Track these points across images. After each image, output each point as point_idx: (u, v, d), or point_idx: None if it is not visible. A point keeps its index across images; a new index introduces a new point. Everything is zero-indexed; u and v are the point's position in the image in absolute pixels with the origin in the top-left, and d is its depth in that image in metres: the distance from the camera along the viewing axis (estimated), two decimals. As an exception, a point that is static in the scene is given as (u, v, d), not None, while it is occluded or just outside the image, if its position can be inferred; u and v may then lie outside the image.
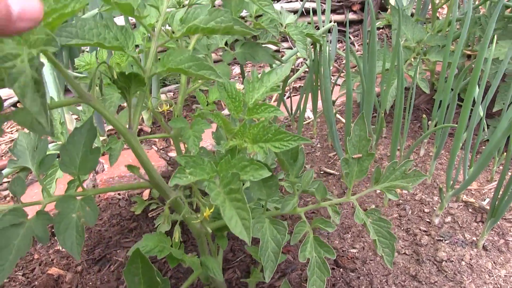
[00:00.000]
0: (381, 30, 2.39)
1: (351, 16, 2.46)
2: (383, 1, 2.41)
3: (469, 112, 0.98)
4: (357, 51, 2.30)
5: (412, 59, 1.49)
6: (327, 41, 2.13)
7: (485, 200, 1.16)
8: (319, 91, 1.39)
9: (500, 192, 0.96)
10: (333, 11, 2.42)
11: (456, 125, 0.98)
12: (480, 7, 1.71)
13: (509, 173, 1.24)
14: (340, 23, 2.45)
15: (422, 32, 1.49)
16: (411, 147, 1.10)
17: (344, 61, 2.09)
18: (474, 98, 1.04)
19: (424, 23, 1.78)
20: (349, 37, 2.45)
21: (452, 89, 1.35)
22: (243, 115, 0.75)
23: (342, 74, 1.98)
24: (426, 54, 1.48)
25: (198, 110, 1.12)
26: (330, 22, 2.39)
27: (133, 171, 0.83)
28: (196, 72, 0.67)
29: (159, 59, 0.72)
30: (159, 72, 0.71)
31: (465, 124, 0.97)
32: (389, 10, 2.12)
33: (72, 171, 0.78)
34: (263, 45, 1.20)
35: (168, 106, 0.93)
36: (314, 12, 2.37)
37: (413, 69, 1.45)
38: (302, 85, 1.94)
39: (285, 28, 1.20)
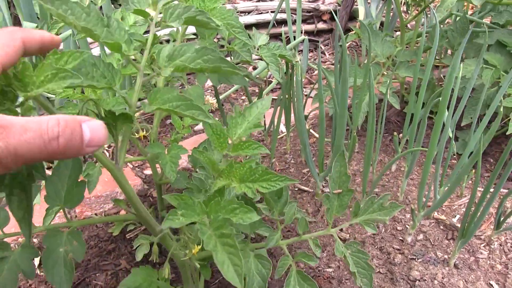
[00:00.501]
0: (350, 42, 2.43)
1: (321, 25, 2.50)
2: (352, 10, 2.46)
3: (439, 135, 1.02)
4: (328, 61, 2.33)
5: (382, 75, 1.53)
6: (298, 52, 2.15)
7: (455, 216, 1.21)
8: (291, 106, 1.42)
9: (471, 211, 1.00)
10: (303, 21, 2.44)
11: (426, 149, 1.01)
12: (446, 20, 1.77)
13: (478, 192, 1.30)
14: (310, 33, 2.48)
15: (391, 48, 1.53)
16: (382, 169, 1.13)
17: (315, 72, 2.12)
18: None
19: (393, 36, 1.83)
20: (320, 47, 2.48)
21: (423, 103, 1.40)
22: (228, 151, 0.77)
23: (313, 86, 2.01)
24: (396, 69, 1.52)
25: (174, 134, 1.12)
26: (301, 33, 2.42)
27: (120, 204, 0.83)
28: (184, 112, 0.68)
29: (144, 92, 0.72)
30: (146, 111, 0.71)
31: (435, 149, 1.01)
32: (358, 23, 2.16)
33: (57, 204, 0.77)
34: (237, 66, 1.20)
35: (145, 132, 0.93)
36: (285, 22, 2.40)
37: (384, 84, 1.49)
38: (275, 97, 1.96)
39: (257, 50, 1.21)
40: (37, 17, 1.61)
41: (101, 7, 1.35)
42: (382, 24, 2.33)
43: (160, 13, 0.81)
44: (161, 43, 1.20)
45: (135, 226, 1.24)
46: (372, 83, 1.19)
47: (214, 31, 1.16)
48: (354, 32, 1.72)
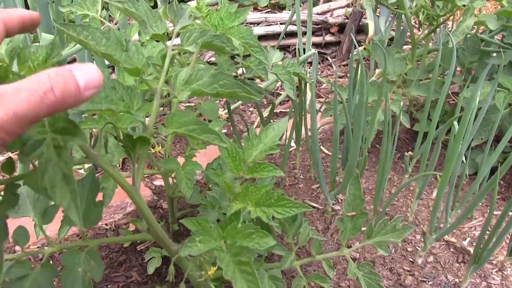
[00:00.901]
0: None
1: (329, 37, 2.50)
2: (360, 24, 2.46)
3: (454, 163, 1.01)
4: (334, 74, 2.33)
5: (393, 92, 1.52)
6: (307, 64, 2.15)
7: (466, 239, 1.20)
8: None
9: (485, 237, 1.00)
10: (314, 33, 2.45)
11: (440, 173, 1.01)
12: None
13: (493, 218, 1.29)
14: (318, 45, 2.48)
15: (402, 66, 1.53)
16: (395, 191, 1.13)
17: (323, 86, 2.12)
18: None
19: (400, 52, 1.83)
20: (327, 59, 2.49)
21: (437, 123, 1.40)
22: (243, 174, 0.76)
23: (324, 100, 2.01)
24: (407, 87, 1.52)
25: (189, 150, 1.12)
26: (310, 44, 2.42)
27: (137, 225, 0.83)
28: (199, 136, 0.68)
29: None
30: (163, 134, 0.71)
31: (450, 174, 1.00)
32: (367, 38, 2.17)
33: (74, 224, 0.77)
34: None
35: (160, 147, 0.94)
36: (292, 34, 2.40)
37: (394, 103, 1.49)
38: (284, 110, 1.96)
39: (271, 67, 1.21)
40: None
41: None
42: (390, 38, 2.33)
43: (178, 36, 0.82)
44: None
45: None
46: (388, 105, 1.19)
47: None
48: (364, 47, 1.72)
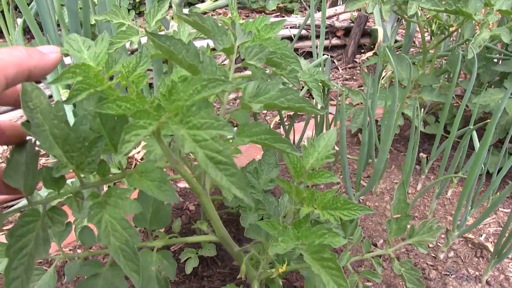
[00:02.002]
0: (366, 58, 2.53)
1: (335, 41, 2.59)
2: (365, 27, 2.55)
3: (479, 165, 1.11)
4: (341, 77, 2.42)
5: (407, 97, 1.62)
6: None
7: (482, 235, 1.30)
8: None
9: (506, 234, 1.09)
10: (318, 36, 2.53)
11: (465, 176, 1.11)
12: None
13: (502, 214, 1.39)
14: (324, 48, 2.57)
15: (415, 72, 1.62)
16: (419, 192, 1.22)
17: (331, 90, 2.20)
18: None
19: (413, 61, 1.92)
20: (333, 62, 2.57)
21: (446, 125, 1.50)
22: (303, 180, 0.84)
23: (332, 102, 2.10)
24: (420, 93, 1.62)
25: (238, 140, 1.19)
26: (317, 48, 2.51)
27: (202, 227, 0.90)
28: (272, 144, 0.75)
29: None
30: (235, 145, 0.79)
31: (476, 177, 1.10)
32: (376, 44, 2.26)
33: (143, 225, 0.84)
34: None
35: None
36: (302, 38, 2.49)
37: (408, 107, 1.59)
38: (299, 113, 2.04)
39: (300, 75, 1.29)
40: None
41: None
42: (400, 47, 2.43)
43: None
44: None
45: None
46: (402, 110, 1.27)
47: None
48: (374, 53, 1.81)
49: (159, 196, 0.52)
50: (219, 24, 0.90)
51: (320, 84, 1.32)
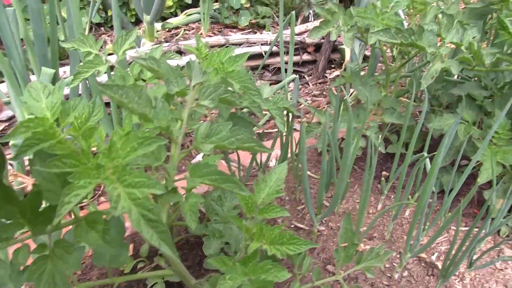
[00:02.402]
0: (335, 74, 2.60)
1: (306, 56, 2.65)
2: (336, 42, 2.62)
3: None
4: (312, 93, 2.48)
5: (370, 119, 1.68)
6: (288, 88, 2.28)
7: (434, 254, 1.37)
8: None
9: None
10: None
11: (415, 203, 1.17)
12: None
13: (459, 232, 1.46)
14: (295, 63, 2.63)
15: (378, 95, 1.69)
16: (376, 216, 1.28)
17: (301, 106, 2.27)
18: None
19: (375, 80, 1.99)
20: (304, 77, 2.64)
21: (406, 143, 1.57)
22: (255, 215, 0.89)
23: (302, 120, 2.15)
24: (382, 115, 1.68)
25: (190, 182, 1.24)
26: (287, 63, 2.56)
27: (160, 262, 0.94)
28: (221, 185, 0.80)
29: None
30: (189, 186, 0.84)
31: (426, 203, 1.16)
32: (344, 64, 2.32)
33: (103, 264, 0.88)
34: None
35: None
36: (273, 54, 2.54)
37: (371, 129, 1.65)
38: (268, 130, 2.09)
39: (264, 103, 1.34)
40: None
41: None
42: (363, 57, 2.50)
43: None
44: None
45: (145, 263, 1.34)
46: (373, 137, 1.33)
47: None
48: (341, 75, 1.87)
49: (104, 248, 0.56)
50: (176, 66, 0.95)
51: (282, 111, 1.37)
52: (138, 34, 2.46)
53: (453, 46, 1.55)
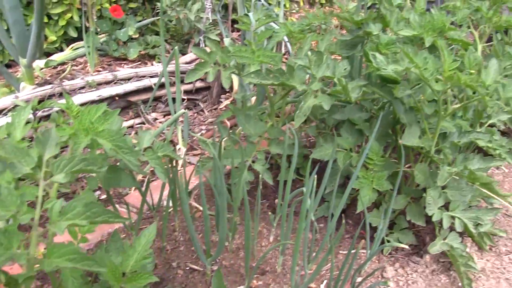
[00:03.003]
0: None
1: (199, 84, 2.66)
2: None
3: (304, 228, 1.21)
4: (207, 120, 2.49)
5: (257, 151, 1.71)
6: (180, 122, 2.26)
7: (323, 282, 1.42)
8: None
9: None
10: (182, 81, 2.58)
11: (293, 242, 1.21)
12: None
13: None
14: (189, 92, 2.62)
15: (263, 127, 1.72)
16: (264, 253, 1.30)
17: (195, 138, 2.26)
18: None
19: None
20: (199, 104, 2.64)
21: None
22: (123, 284, 0.87)
23: (195, 152, 2.15)
24: (268, 146, 1.72)
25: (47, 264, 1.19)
26: (181, 93, 2.55)
27: None
28: (76, 264, 0.78)
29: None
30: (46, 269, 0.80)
31: (300, 243, 1.20)
32: (232, 94, 2.36)
33: None
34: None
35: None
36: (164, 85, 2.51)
37: (258, 161, 1.68)
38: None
39: (143, 153, 1.31)
40: None
41: None
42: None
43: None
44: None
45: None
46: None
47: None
48: (231, 100, 1.89)
49: None
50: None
51: (162, 161, 1.35)
52: (17, 76, 2.34)
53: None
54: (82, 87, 2.19)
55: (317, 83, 1.40)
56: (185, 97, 2.59)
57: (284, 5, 3.71)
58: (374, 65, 1.42)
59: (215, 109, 2.63)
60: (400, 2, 1.94)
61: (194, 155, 2.12)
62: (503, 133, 2.15)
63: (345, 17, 1.75)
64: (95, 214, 0.82)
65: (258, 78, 1.37)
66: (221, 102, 2.67)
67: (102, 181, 1.27)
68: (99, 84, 2.24)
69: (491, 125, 1.86)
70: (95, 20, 2.57)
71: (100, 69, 2.56)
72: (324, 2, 4.40)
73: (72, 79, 2.30)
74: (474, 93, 1.40)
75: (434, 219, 1.43)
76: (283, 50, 3.06)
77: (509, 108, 1.43)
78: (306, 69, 1.47)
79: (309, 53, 1.45)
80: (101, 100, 2.18)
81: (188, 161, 2.07)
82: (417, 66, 1.32)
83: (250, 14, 1.99)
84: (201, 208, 1.76)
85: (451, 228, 1.48)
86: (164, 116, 2.45)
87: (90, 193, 1.27)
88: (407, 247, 1.49)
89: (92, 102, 2.15)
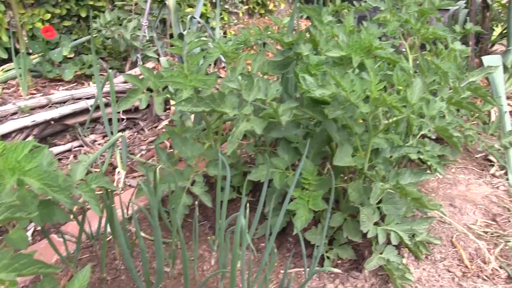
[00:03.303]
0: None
1: (138, 102, 2.63)
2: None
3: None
4: (147, 138, 2.47)
5: (195, 173, 1.72)
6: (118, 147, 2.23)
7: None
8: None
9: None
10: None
11: (228, 270, 1.23)
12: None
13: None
14: (128, 111, 2.60)
15: (200, 149, 1.74)
16: (203, 280, 1.31)
17: (134, 160, 2.24)
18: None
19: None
20: (139, 123, 2.62)
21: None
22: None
23: (135, 174, 2.13)
24: (207, 167, 1.73)
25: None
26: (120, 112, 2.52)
27: None
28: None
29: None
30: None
31: (236, 269, 1.22)
32: (171, 113, 2.35)
33: None
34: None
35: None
36: (106, 104, 2.47)
37: (197, 185, 1.69)
38: (98, 192, 2.03)
39: (76, 186, 1.30)
40: None
41: None
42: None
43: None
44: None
45: None
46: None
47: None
48: (165, 131, 1.89)
49: None
50: None
51: (96, 193, 1.34)
52: None
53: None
54: (14, 113, 2.12)
55: (248, 107, 1.42)
56: (124, 117, 2.56)
57: (223, 18, 3.73)
58: (304, 87, 1.46)
59: (155, 127, 2.61)
60: (331, 19, 2.00)
61: (134, 177, 2.10)
62: (436, 140, 2.24)
63: (276, 38, 1.79)
64: (23, 266, 0.81)
65: (189, 105, 1.38)
66: (162, 119, 2.66)
67: (34, 218, 1.24)
68: (33, 109, 2.18)
69: (424, 136, 1.96)
70: (26, 40, 2.50)
71: (34, 91, 2.49)
72: (263, 12, 4.47)
73: (3, 103, 2.23)
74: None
75: (369, 235, 1.47)
76: (222, 64, 3.09)
77: (433, 125, 1.50)
78: (239, 92, 1.49)
79: (240, 77, 1.47)
80: (35, 125, 2.13)
81: (128, 183, 2.05)
82: (344, 89, 1.37)
83: (185, 32, 2.00)
84: (142, 234, 1.75)
85: (388, 241, 1.53)
86: (103, 137, 2.41)
87: (20, 232, 1.24)
88: (340, 272, 1.54)
89: (26, 128, 2.09)
